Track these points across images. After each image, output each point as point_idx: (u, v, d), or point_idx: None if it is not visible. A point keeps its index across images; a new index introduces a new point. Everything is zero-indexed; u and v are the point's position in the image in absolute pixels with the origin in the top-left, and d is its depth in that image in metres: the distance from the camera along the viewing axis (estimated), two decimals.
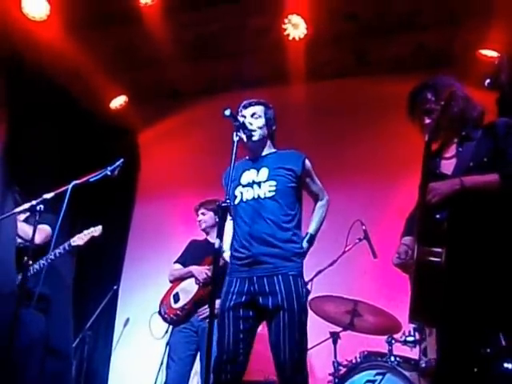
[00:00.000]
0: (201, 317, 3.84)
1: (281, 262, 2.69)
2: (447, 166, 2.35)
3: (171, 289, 4.05)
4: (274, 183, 2.81)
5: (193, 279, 3.95)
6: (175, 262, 4.14)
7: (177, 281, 4.03)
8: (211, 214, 4.17)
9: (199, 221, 4.21)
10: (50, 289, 3.79)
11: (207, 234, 4.20)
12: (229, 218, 2.90)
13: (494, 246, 2.10)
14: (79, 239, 3.85)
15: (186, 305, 3.90)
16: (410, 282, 2.23)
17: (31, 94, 4.50)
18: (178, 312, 3.90)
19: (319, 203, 3.00)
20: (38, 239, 3.77)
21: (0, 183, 4.17)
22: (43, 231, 3.79)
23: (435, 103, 2.33)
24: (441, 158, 2.42)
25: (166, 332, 4.08)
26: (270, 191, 2.80)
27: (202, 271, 3.87)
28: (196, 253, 4.09)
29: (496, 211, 2.13)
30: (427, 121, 2.36)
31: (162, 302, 4.03)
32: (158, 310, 4.03)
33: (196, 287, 3.91)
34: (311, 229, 2.93)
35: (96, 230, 3.91)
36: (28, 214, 3.83)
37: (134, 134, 5.80)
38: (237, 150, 2.60)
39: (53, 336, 3.77)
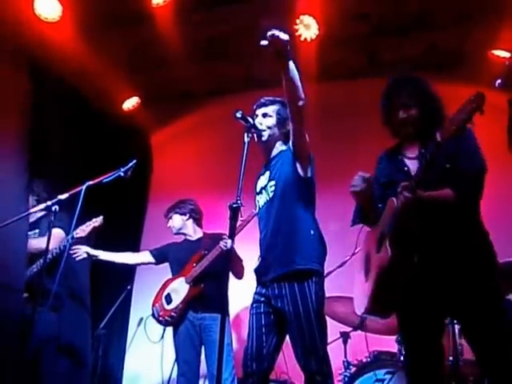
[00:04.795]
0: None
1: (285, 264, 2.65)
2: (411, 165, 2.38)
3: (162, 290, 4.09)
4: (273, 183, 2.79)
5: (182, 279, 3.99)
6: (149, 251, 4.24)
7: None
8: (177, 216, 4.23)
9: (169, 227, 4.27)
10: (67, 287, 3.85)
11: (184, 234, 4.25)
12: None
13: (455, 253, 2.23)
14: (81, 231, 3.85)
15: (179, 305, 3.94)
16: None
17: (46, 95, 4.56)
18: (173, 313, 3.94)
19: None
20: (52, 245, 3.82)
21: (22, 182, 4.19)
22: (57, 237, 3.84)
23: (410, 98, 2.41)
24: (403, 156, 2.46)
25: (163, 335, 4.13)
26: (271, 192, 2.78)
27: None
28: (180, 254, 4.13)
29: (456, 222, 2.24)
30: (403, 115, 2.42)
31: (153, 305, 4.08)
32: (151, 312, 4.08)
33: (187, 287, 3.95)
34: None
35: (97, 221, 3.90)
36: (39, 215, 3.89)
37: (147, 135, 5.85)
38: (248, 151, 2.60)
39: (68, 334, 3.82)
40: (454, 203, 2.20)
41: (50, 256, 3.76)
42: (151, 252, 4.25)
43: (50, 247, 3.73)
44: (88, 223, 3.91)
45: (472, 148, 2.30)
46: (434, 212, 2.24)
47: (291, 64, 2.54)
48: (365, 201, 2.45)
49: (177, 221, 4.23)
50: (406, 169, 2.41)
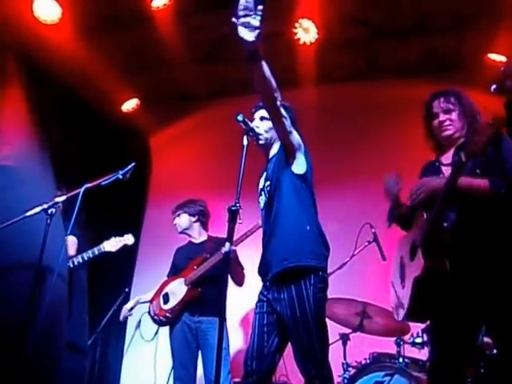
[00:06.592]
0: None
1: (279, 264, 2.62)
2: (446, 172, 2.43)
3: (161, 289, 4.09)
4: (268, 183, 2.79)
5: (181, 280, 3.99)
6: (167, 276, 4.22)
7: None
8: (185, 215, 4.20)
9: (175, 224, 4.24)
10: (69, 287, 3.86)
11: (189, 236, 4.24)
12: None
13: (494, 256, 2.23)
14: (110, 246, 3.93)
15: (175, 306, 3.94)
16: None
17: (46, 97, 4.57)
18: (168, 314, 3.94)
19: None
20: (71, 251, 3.86)
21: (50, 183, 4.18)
22: (75, 243, 3.87)
23: (453, 105, 2.49)
24: (440, 163, 2.50)
25: (156, 334, 4.12)
26: (267, 192, 2.77)
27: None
28: (182, 258, 4.14)
29: (496, 222, 2.26)
30: (442, 118, 2.49)
31: (151, 302, 4.07)
32: (147, 310, 4.08)
33: (185, 288, 3.94)
34: None
35: (129, 239, 4.02)
36: None
37: (146, 137, 5.86)
38: (247, 153, 2.61)
39: (69, 331, 3.83)
40: (489, 193, 2.23)
41: (70, 265, 3.79)
42: (168, 276, 4.24)
43: (73, 253, 3.82)
44: (118, 239, 3.96)
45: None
46: (466, 217, 2.29)
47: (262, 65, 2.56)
48: (396, 201, 2.55)
49: (184, 220, 4.20)
50: (441, 175, 2.45)
